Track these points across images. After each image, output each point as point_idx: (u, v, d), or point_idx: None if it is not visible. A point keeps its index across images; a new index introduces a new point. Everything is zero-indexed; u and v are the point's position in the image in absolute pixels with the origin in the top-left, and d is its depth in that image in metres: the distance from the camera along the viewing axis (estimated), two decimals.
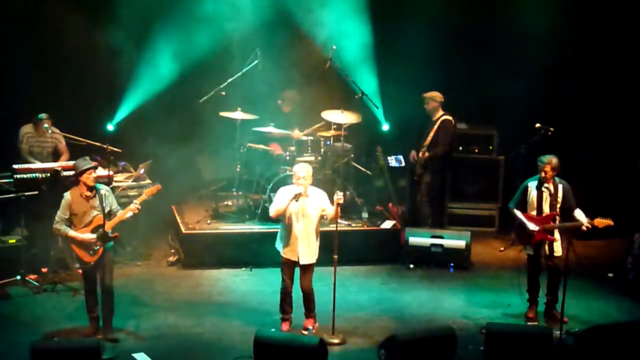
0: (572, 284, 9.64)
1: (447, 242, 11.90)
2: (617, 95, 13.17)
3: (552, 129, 11.95)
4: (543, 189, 9.95)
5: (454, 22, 13.12)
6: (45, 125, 11.50)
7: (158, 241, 12.48)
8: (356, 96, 12.31)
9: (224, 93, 12.26)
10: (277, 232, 9.66)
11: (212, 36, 12.55)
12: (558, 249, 10.01)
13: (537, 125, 11.99)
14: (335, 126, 12.41)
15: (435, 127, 12.45)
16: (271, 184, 11.59)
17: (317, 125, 12.52)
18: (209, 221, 12.10)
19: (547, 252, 10.03)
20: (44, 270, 10.96)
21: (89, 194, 9.19)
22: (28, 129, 11.71)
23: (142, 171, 12.03)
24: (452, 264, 11.86)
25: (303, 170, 9.38)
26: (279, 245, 9.58)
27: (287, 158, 12.09)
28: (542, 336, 8.86)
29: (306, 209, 9.40)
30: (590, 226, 9.76)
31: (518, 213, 10.07)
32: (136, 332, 9.54)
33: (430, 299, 10.85)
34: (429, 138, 12.47)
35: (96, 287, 9.26)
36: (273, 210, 9.43)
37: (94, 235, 9.17)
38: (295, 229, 9.40)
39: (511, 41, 12.96)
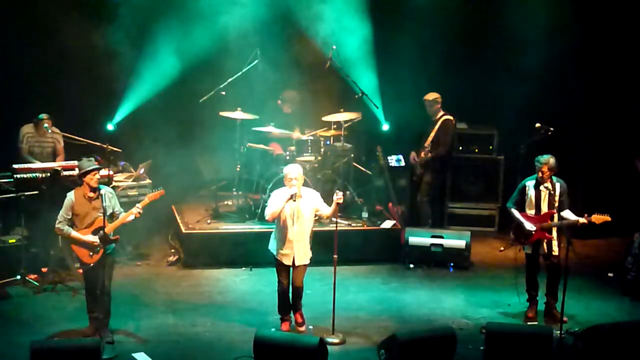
0: (572, 283, 9.66)
1: (447, 242, 11.90)
2: (617, 96, 13.16)
3: (552, 128, 11.96)
4: (541, 188, 9.96)
5: (453, 22, 13.10)
6: (45, 125, 11.50)
7: (158, 241, 12.49)
8: (356, 96, 12.32)
9: (224, 93, 12.26)
10: None
11: (212, 36, 12.55)
12: (556, 249, 10.02)
13: (537, 125, 11.99)
14: (335, 126, 12.42)
15: (436, 127, 12.45)
16: (271, 184, 11.59)
17: (320, 130, 12.51)
18: (209, 221, 12.11)
19: (546, 251, 10.04)
20: (44, 270, 10.96)
21: (92, 195, 9.18)
22: (28, 129, 11.70)
23: (142, 171, 12.04)
24: (452, 264, 11.86)
25: (295, 171, 9.40)
26: (272, 247, 9.58)
27: (287, 158, 12.09)
28: (542, 336, 8.85)
29: (300, 209, 9.41)
30: (587, 222, 9.76)
31: (515, 213, 10.09)
32: (136, 332, 9.54)
33: (430, 299, 10.85)
34: (430, 138, 12.47)
35: (96, 287, 9.25)
36: (269, 214, 9.43)
37: (96, 238, 9.16)
38: (291, 230, 9.40)
39: (511, 41, 12.95)
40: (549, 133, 12.00)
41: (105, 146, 11.15)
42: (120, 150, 11.62)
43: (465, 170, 13.58)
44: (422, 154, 12.53)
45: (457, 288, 11.21)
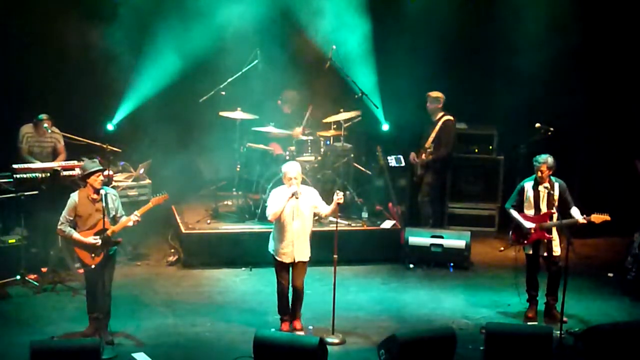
0: (572, 283, 9.66)
1: (447, 242, 11.90)
2: (617, 96, 13.15)
3: (552, 128, 11.96)
4: (540, 188, 9.97)
5: (454, 22, 13.09)
6: (45, 125, 11.50)
7: (158, 241, 12.49)
8: (356, 96, 12.32)
9: (224, 93, 12.26)
10: None
11: (212, 36, 12.54)
12: (556, 249, 10.03)
13: (537, 125, 11.99)
14: (335, 126, 12.41)
15: (437, 127, 12.44)
16: (271, 184, 11.58)
17: (322, 133, 12.51)
18: (209, 221, 12.10)
19: (546, 251, 10.04)
20: (44, 270, 10.96)
21: (95, 196, 9.16)
22: (28, 129, 11.70)
23: (142, 171, 12.04)
24: (452, 264, 11.86)
25: (294, 170, 9.41)
26: (272, 247, 9.57)
27: (287, 158, 12.07)
28: (542, 336, 8.86)
29: (300, 207, 9.42)
30: (586, 222, 9.76)
31: (514, 213, 10.10)
32: (136, 332, 9.53)
33: (430, 299, 10.85)
34: (431, 139, 12.46)
35: (97, 288, 9.25)
36: (271, 214, 9.43)
37: (98, 240, 9.15)
38: (291, 228, 9.40)
39: (511, 40, 12.94)
40: (549, 133, 12.01)
41: (105, 146, 11.15)
42: (120, 150, 11.61)
43: (465, 170, 13.58)
44: (424, 156, 12.51)
45: (457, 288, 11.21)
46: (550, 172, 9.93)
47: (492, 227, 13.52)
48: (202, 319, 10.01)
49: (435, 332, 9.11)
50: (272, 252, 9.58)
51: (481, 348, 9.05)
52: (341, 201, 9.35)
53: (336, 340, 9.41)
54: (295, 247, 9.44)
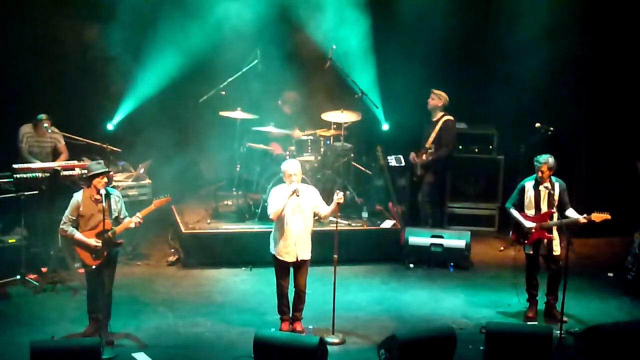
0: (572, 283, 9.66)
1: (447, 242, 11.90)
2: (617, 96, 13.15)
3: (552, 128, 11.95)
4: (541, 188, 9.96)
5: (454, 22, 13.09)
6: (45, 125, 11.51)
7: (158, 241, 12.49)
8: (356, 96, 12.32)
9: (224, 93, 12.26)
10: None
11: (212, 35, 12.54)
12: (557, 248, 10.03)
13: (537, 125, 11.98)
14: (335, 126, 12.42)
15: (437, 128, 12.41)
16: (271, 184, 11.58)
17: (320, 130, 12.51)
18: (209, 221, 12.10)
19: (546, 251, 10.04)
20: (44, 270, 10.96)
21: (98, 197, 9.16)
22: (28, 128, 11.71)
23: (142, 171, 12.04)
24: (452, 264, 11.86)
25: (294, 167, 9.41)
26: (273, 247, 9.55)
27: (287, 158, 12.06)
28: (542, 336, 8.86)
29: (300, 205, 9.42)
30: (587, 221, 9.76)
31: (515, 212, 10.11)
32: (136, 332, 9.52)
33: (430, 298, 10.85)
34: (431, 139, 12.44)
35: (97, 289, 9.25)
36: (272, 212, 9.42)
37: (100, 242, 9.14)
38: (292, 226, 9.40)
39: (512, 40, 12.93)
40: (549, 133, 12.00)
41: (105, 146, 11.15)
42: (120, 150, 11.61)
43: (465, 170, 13.59)
44: (424, 156, 12.49)
45: (457, 288, 11.20)
46: (551, 173, 9.93)
47: (492, 227, 13.53)
48: (202, 319, 10.01)
49: (435, 332, 9.09)
50: (273, 252, 9.55)
51: (481, 348, 9.05)
52: (341, 201, 9.35)
53: (336, 340, 9.41)
54: (298, 245, 9.43)
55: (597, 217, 9.75)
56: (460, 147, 13.41)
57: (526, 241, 10.05)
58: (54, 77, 12.50)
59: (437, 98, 12.41)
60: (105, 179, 9.18)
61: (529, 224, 9.98)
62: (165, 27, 12.55)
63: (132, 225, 9.25)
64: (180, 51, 12.60)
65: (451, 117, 12.47)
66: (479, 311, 10.40)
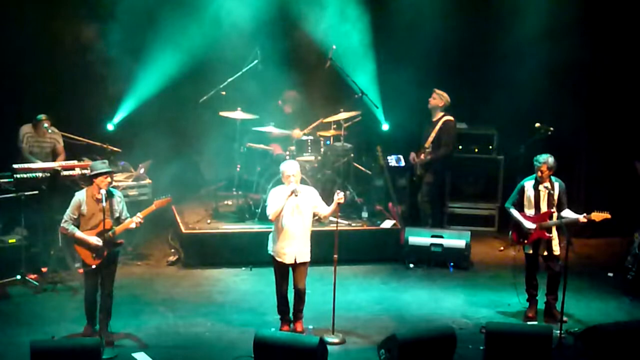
0: (572, 283, 9.67)
1: (447, 242, 11.91)
2: (618, 96, 13.15)
3: (552, 128, 11.95)
4: (541, 188, 9.96)
5: (454, 22, 13.10)
6: (45, 125, 11.51)
7: (158, 241, 12.49)
8: (356, 96, 12.32)
9: (224, 93, 12.27)
10: None
11: (212, 35, 12.54)
12: (556, 248, 10.03)
13: (537, 125, 11.98)
14: (335, 126, 12.42)
15: (437, 128, 12.41)
16: (271, 184, 11.58)
17: (316, 123, 12.50)
18: (209, 221, 12.11)
19: (546, 251, 10.04)
20: (44, 270, 10.96)
21: (100, 196, 9.16)
22: (28, 129, 11.71)
23: (142, 171, 12.04)
24: (452, 264, 11.86)
25: (293, 168, 9.40)
26: (272, 248, 9.54)
27: (287, 158, 12.07)
28: (542, 336, 8.86)
29: (299, 206, 9.41)
30: (587, 220, 9.76)
31: (514, 212, 10.11)
32: (136, 332, 9.52)
33: (430, 298, 10.85)
34: (430, 139, 12.44)
35: (97, 288, 9.25)
36: (272, 213, 9.41)
37: (101, 241, 9.14)
38: (291, 227, 9.39)
39: (512, 40, 12.94)
40: (549, 133, 12.00)
41: (105, 146, 11.14)
42: (120, 150, 11.60)
43: (465, 170, 13.59)
44: (422, 156, 12.50)
45: (457, 288, 11.21)
46: (551, 172, 9.93)
47: (492, 227, 13.54)
48: (202, 319, 10.01)
49: (435, 332, 9.09)
50: (271, 253, 9.54)
51: (481, 348, 9.05)
52: (342, 201, 9.35)
53: (336, 340, 9.41)
54: (296, 247, 9.41)
55: (597, 216, 9.75)
56: (460, 147, 13.42)
57: (526, 241, 10.06)
58: (54, 77, 12.49)
59: (439, 98, 12.40)
60: (109, 179, 9.18)
61: (528, 223, 9.99)
62: (166, 27, 12.55)
63: (133, 225, 9.25)
64: (180, 51, 12.60)
65: (451, 118, 12.46)
66: (479, 311, 10.40)
